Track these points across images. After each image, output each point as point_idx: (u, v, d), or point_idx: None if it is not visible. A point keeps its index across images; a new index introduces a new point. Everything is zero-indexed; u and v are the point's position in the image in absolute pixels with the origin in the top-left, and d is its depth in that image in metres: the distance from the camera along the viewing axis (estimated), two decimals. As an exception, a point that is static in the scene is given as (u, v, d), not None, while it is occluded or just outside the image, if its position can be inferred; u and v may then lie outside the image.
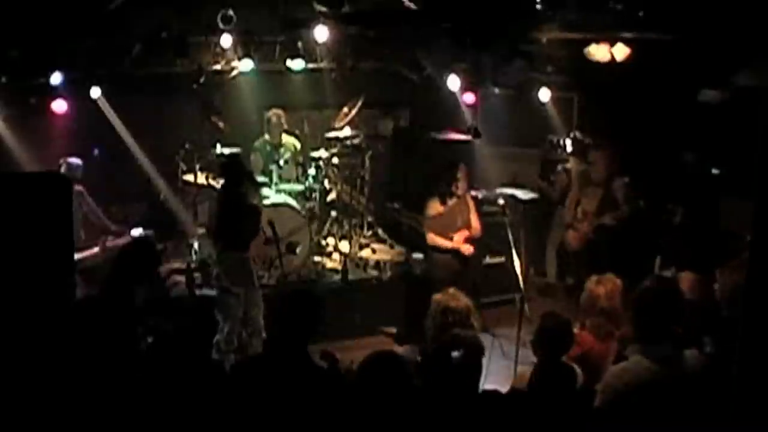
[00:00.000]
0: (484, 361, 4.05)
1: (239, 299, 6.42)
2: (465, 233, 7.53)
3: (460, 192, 7.49)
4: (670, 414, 3.81)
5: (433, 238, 7.51)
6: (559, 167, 8.94)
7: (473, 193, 7.98)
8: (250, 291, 6.49)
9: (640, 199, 7.91)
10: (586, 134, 8.77)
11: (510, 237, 6.92)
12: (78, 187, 7.35)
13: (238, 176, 6.65)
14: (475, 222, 7.64)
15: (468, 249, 7.49)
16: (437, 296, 4.86)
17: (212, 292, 7.06)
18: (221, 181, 8.25)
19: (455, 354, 3.88)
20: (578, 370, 4.40)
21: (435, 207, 7.51)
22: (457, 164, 7.56)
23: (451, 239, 7.50)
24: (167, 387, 3.92)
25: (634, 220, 7.84)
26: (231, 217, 6.47)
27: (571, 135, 8.87)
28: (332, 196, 8.90)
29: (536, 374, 4.21)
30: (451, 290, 5.09)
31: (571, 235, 8.12)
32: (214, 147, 8.48)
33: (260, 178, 8.21)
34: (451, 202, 7.49)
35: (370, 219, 9.30)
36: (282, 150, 8.71)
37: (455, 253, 7.50)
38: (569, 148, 8.86)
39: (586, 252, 7.97)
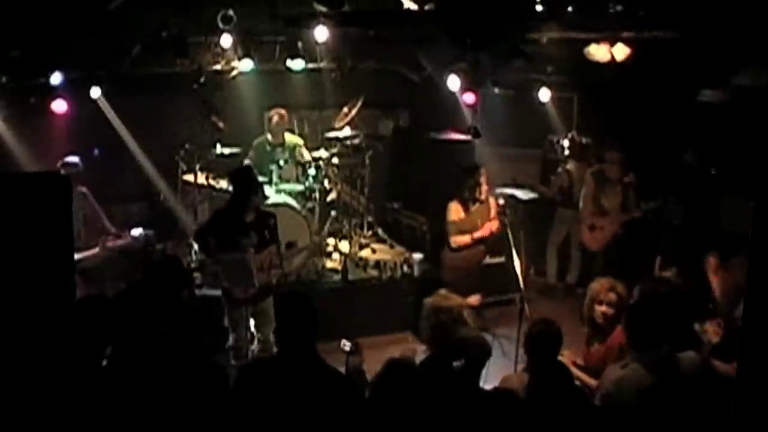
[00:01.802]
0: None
1: (245, 312, 6.40)
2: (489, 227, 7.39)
3: (483, 197, 7.37)
4: (670, 420, 3.81)
5: (458, 240, 7.42)
6: (560, 168, 8.95)
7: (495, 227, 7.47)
8: (263, 305, 6.44)
9: (642, 199, 7.93)
10: (582, 135, 8.78)
11: (510, 237, 6.92)
12: (81, 189, 7.34)
13: (248, 186, 6.53)
14: (492, 225, 7.47)
15: (493, 227, 7.31)
16: (429, 298, 4.86)
17: (213, 293, 7.05)
18: (221, 183, 8.30)
19: (456, 364, 3.89)
20: (574, 372, 4.41)
21: (457, 212, 7.39)
22: (478, 167, 7.40)
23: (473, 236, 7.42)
24: (168, 387, 3.91)
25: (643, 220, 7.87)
26: (234, 223, 6.42)
27: (569, 136, 8.88)
28: (332, 196, 8.89)
29: (533, 377, 4.21)
30: (443, 291, 5.10)
31: (597, 234, 8.08)
32: (214, 147, 8.48)
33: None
34: (473, 207, 7.38)
35: (370, 219, 9.30)
36: (282, 150, 8.70)
37: (470, 249, 7.40)
38: (567, 150, 8.88)
39: (611, 249, 7.96)
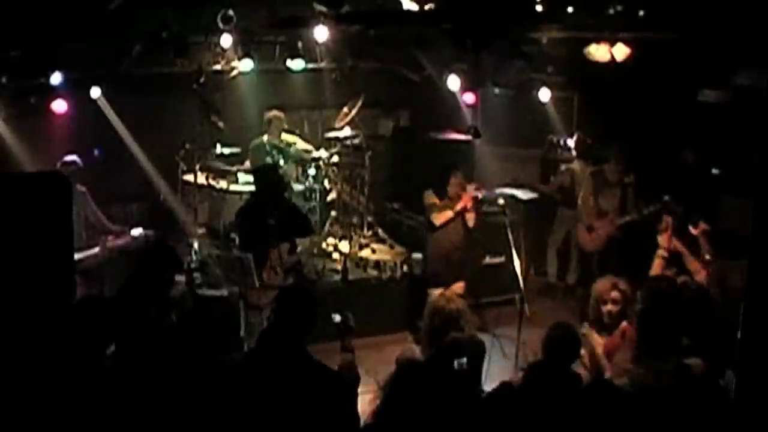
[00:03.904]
0: (484, 361, 4.06)
1: (262, 317, 6.40)
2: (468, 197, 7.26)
3: (450, 195, 7.31)
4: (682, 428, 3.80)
5: (438, 216, 7.29)
6: (562, 167, 8.94)
7: (474, 193, 7.42)
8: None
9: (642, 200, 7.92)
10: (587, 134, 8.78)
11: (510, 237, 6.91)
12: (81, 188, 7.34)
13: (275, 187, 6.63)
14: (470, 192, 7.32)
15: (469, 198, 7.20)
16: (432, 298, 4.87)
17: (214, 293, 7.05)
18: (221, 183, 8.31)
19: (458, 362, 3.89)
20: (585, 376, 4.40)
21: (431, 198, 7.38)
22: (450, 171, 7.24)
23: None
24: (168, 385, 3.92)
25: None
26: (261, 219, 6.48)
27: (575, 136, 8.87)
28: (332, 196, 8.89)
29: (532, 378, 4.19)
30: (448, 292, 5.09)
31: (594, 235, 8.08)
32: (214, 147, 8.49)
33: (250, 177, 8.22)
34: (444, 201, 7.35)
35: (370, 219, 9.30)
36: (280, 150, 8.70)
37: (451, 228, 7.36)
38: (573, 150, 8.87)
39: (608, 251, 7.96)
